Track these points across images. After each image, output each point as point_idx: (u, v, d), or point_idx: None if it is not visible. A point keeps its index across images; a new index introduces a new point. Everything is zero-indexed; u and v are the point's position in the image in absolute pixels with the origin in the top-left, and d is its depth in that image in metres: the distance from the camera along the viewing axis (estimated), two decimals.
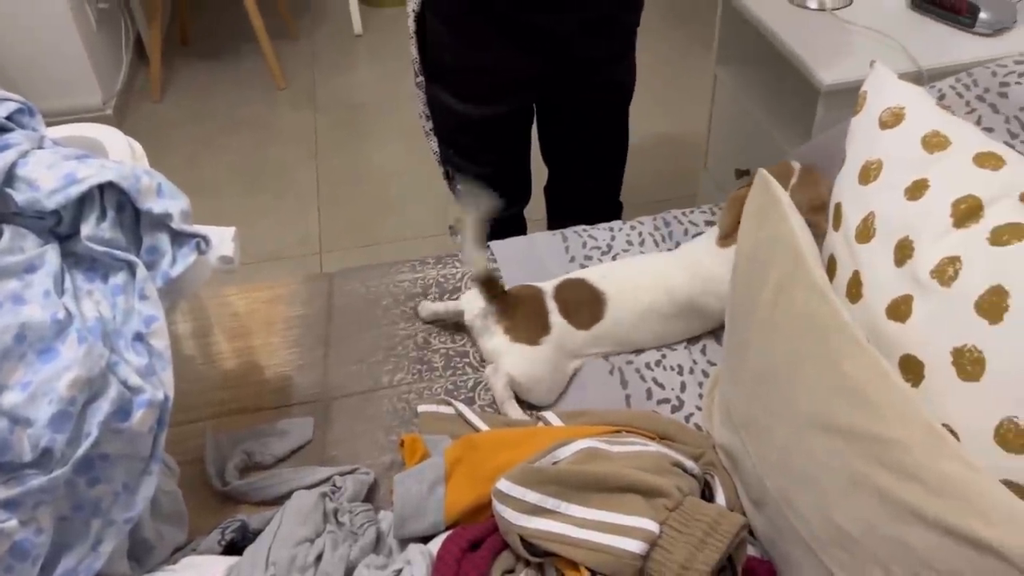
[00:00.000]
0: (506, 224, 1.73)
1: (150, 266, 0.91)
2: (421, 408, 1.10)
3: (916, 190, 0.81)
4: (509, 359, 1.11)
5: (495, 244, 1.37)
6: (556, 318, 1.14)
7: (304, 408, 1.13)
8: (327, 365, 1.19)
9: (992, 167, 0.78)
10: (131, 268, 0.91)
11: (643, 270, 1.20)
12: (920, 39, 1.55)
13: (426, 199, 2.52)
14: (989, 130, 1.17)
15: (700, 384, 1.12)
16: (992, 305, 0.70)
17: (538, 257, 1.33)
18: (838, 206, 0.91)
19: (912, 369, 0.76)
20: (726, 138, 2.01)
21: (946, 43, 1.54)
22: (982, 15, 1.54)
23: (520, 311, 1.14)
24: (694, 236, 1.33)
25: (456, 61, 1.44)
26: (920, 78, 1.49)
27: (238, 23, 3.17)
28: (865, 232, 0.84)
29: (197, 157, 2.77)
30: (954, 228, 0.77)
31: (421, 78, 1.51)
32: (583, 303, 1.15)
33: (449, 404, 1.10)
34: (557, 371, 1.13)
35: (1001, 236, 0.72)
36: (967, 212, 0.76)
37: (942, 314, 0.74)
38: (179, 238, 0.93)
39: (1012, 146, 1.13)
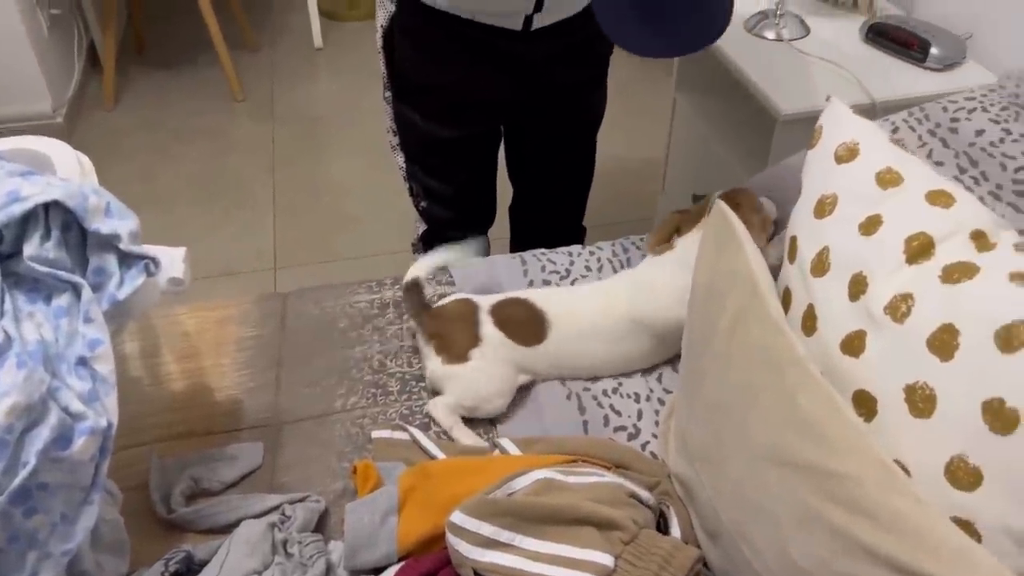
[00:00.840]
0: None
1: (96, 288, 0.88)
2: (375, 434, 1.08)
3: (870, 226, 0.82)
4: (444, 385, 1.11)
5: (454, 267, 1.36)
6: (489, 329, 1.13)
7: (254, 432, 1.11)
8: (279, 388, 1.16)
9: (943, 205, 0.80)
10: (76, 290, 0.88)
11: (584, 293, 1.21)
12: (873, 72, 1.58)
13: (385, 215, 2.50)
14: (939, 164, 1.20)
15: (656, 411, 1.12)
16: (943, 343, 0.71)
17: (497, 280, 1.33)
18: (793, 239, 0.92)
19: (865, 404, 0.77)
20: (684, 163, 2.03)
21: (898, 77, 1.58)
22: (932, 51, 1.58)
23: (449, 327, 1.14)
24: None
25: (425, 80, 1.42)
26: (873, 110, 1.52)
27: (196, 32, 3.12)
28: (820, 266, 0.85)
29: (150, 168, 2.72)
30: (907, 264, 0.78)
31: (389, 93, 1.49)
32: (525, 322, 1.15)
33: (404, 430, 1.09)
34: (498, 382, 1.12)
35: (952, 274, 0.74)
36: (919, 249, 0.78)
37: (895, 350, 0.75)
38: (127, 259, 0.91)
39: (961, 180, 1.16)
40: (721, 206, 0.95)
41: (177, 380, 1.18)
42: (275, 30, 3.51)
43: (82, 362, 0.85)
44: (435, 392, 1.13)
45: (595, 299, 1.18)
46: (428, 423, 1.11)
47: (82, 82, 2.98)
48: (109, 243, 0.90)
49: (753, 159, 1.71)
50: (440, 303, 1.18)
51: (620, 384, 1.15)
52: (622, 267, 1.35)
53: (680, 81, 1.96)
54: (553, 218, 1.78)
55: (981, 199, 1.13)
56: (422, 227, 1.66)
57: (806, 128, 1.51)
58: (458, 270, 1.35)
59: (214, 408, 1.14)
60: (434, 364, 1.12)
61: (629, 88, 3.07)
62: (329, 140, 2.87)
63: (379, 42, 1.44)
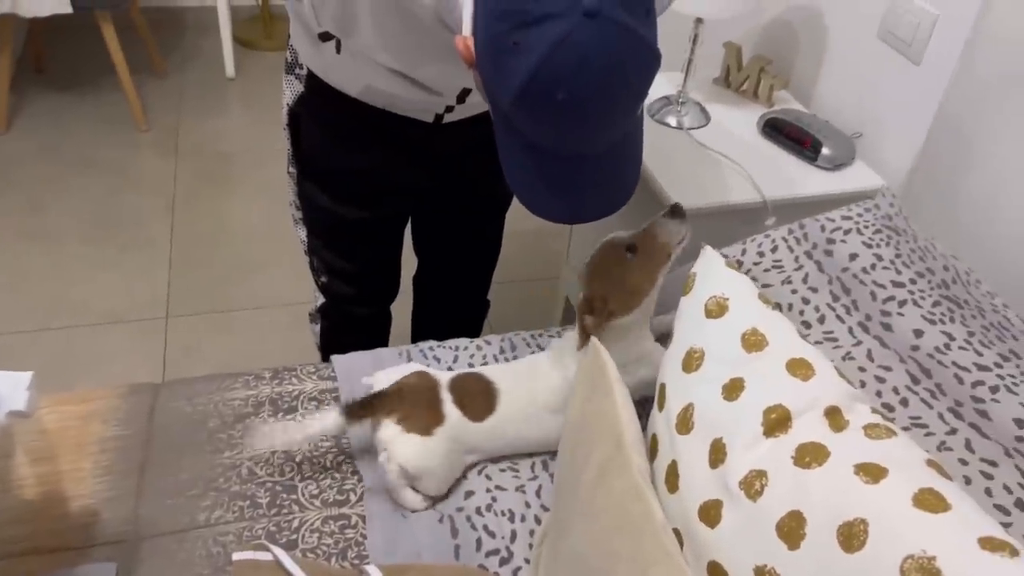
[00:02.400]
0: (372, 320, 1.68)
1: None
2: (236, 556, 1.03)
3: (733, 390, 0.83)
4: (401, 448, 1.10)
5: (336, 359, 1.32)
6: (450, 408, 1.13)
7: (109, 549, 1.05)
8: (139, 498, 1.11)
9: (802, 377, 0.81)
10: None
11: (532, 368, 1.21)
12: (768, 168, 1.62)
13: (287, 263, 2.44)
14: (814, 290, 1.22)
15: (531, 532, 1.10)
16: (791, 530, 0.72)
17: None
18: (663, 387, 0.92)
19: None
20: (588, 234, 2.04)
21: (791, 175, 1.62)
22: (824, 151, 1.62)
23: (412, 400, 1.13)
24: None
25: (333, 164, 1.37)
26: (765, 209, 1.55)
27: (99, 53, 3.00)
28: (684, 423, 0.85)
29: (40, 198, 2.60)
30: (764, 437, 0.79)
31: (293, 170, 1.44)
32: (477, 394, 1.15)
33: (267, 550, 1.05)
34: (450, 463, 1.13)
35: (804, 457, 0.74)
36: (776, 422, 0.78)
37: (747, 528, 0.75)
38: None
39: (834, 308, 1.19)
40: (595, 344, 0.94)
41: (29, 486, 1.11)
42: (185, 55, 3.40)
43: None
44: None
45: (538, 376, 1.18)
46: (296, 540, 1.08)
47: None
48: None
49: None
50: (400, 378, 1.16)
51: (494, 500, 1.14)
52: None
53: None
54: (458, 292, 1.77)
55: (851, 330, 1.16)
56: (321, 300, 1.62)
57: (699, 223, 1.54)
58: (341, 363, 1.31)
59: (67, 521, 1.08)
60: (392, 430, 1.10)
61: None
62: (235, 179, 2.79)
63: (284, 119, 1.39)
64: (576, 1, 0.72)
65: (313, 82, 1.27)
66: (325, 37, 1.19)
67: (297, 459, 1.17)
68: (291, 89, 1.34)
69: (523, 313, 2.39)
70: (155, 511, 1.09)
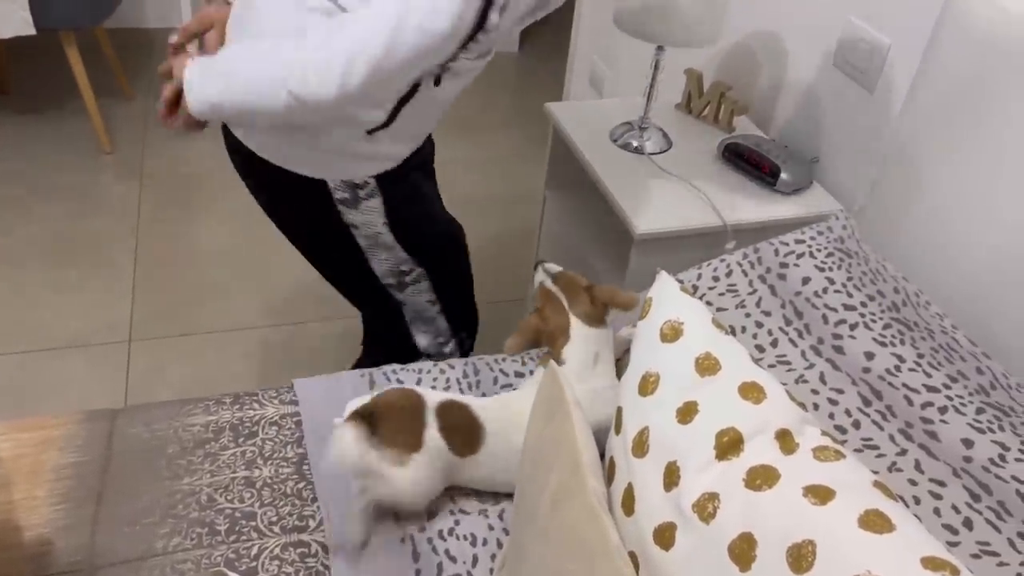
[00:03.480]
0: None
1: None
2: None
3: (687, 413, 0.84)
4: (381, 483, 1.06)
5: (298, 383, 1.32)
6: (433, 434, 1.09)
7: None
8: (96, 526, 1.09)
9: (754, 400, 0.82)
10: None
11: (517, 407, 1.16)
12: (727, 193, 1.65)
13: (251, 287, 2.43)
14: (767, 314, 1.24)
15: (492, 556, 1.11)
16: (742, 552, 0.73)
17: (343, 398, 1.29)
18: (620, 411, 0.93)
19: None
20: (553, 257, 2.05)
21: (750, 199, 1.65)
22: (782, 176, 1.66)
23: (392, 422, 1.08)
24: (503, 386, 1.33)
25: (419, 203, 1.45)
26: (725, 233, 1.58)
27: (65, 74, 2.98)
28: (640, 446, 0.86)
29: (2, 222, 2.57)
30: (716, 460, 0.80)
31: (384, 229, 1.40)
32: (462, 428, 1.11)
33: None
34: (425, 490, 1.10)
35: (755, 479, 0.76)
36: (728, 445, 0.80)
37: (700, 551, 0.76)
38: None
39: (786, 332, 1.21)
40: (554, 368, 0.95)
41: None
42: (152, 78, 3.39)
43: None
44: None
45: (521, 417, 1.11)
46: (255, 568, 1.07)
47: None
48: None
49: (614, 263, 1.75)
50: (384, 391, 1.13)
51: (457, 523, 1.14)
52: (472, 389, 1.34)
53: (550, 179, 1.99)
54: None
55: (803, 353, 1.18)
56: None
57: (660, 247, 1.56)
58: (301, 386, 1.31)
59: (20, 550, 1.06)
60: (370, 458, 1.05)
61: (508, 161, 3.11)
62: (200, 203, 2.78)
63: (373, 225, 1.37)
64: None
65: (386, 181, 1.32)
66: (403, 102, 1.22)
67: (257, 485, 1.17)
68: (367, 215, 1.35)
69: (492, 336, 2.39)
70: (111, 539, 1.08)
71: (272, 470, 1.19)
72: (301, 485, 1.18)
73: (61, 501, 1.12)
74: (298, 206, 1.37)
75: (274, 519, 1.13)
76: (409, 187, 1.38)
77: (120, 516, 1.11)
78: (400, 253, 1.42)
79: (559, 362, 1.18)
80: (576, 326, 1.19)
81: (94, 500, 1.12)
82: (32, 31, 2.52)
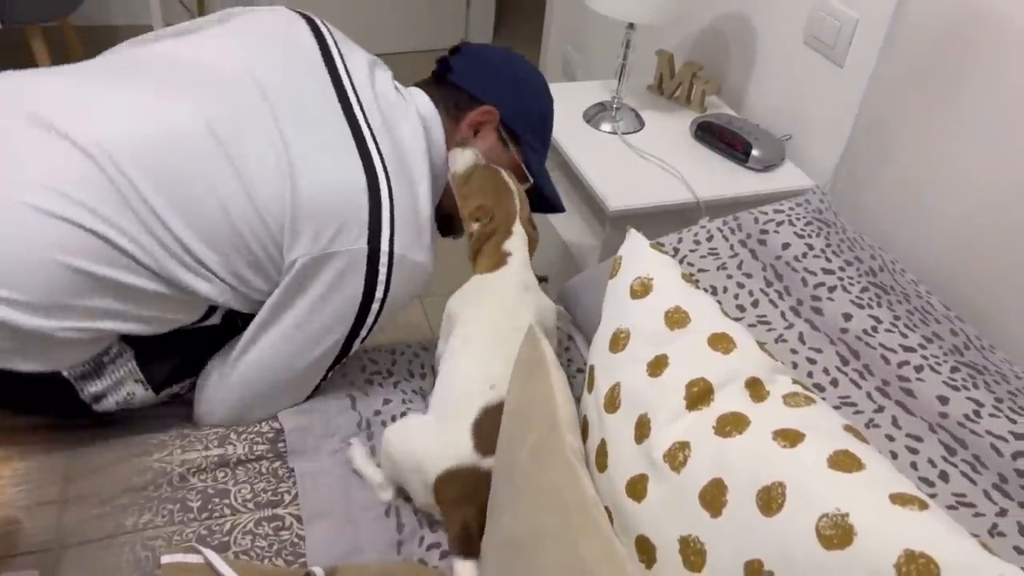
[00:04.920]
0: None
1: None
2: (165, 559, 1.01)
3: (657, 366, 0.83)
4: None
5: None
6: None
7: (30, 559, 1.01)
8: (64, 504, 1.07)
9: (723, 350, 0.82)
10: None
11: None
12: (700, 170, 1.65)
13: None
14: (749, 275, 1.25)
15: None
16: (713, 498, 0.72)
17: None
18: (592, 368, 0.92)
19: (646, 551, 0.77)
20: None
21: (723, 176, 1.65)
22: (754, 152, 1.66)
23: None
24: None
25: None
26: (698, 209, 1.58)
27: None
28: (611, 402, 0.86)
29: None
30: (687, 411, 0.79)
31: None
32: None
33: (198, 552, 1.02)
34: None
35: (724, 427, 0.75)
36: (698, 395, 0.79)
37: (672, 500, 0.76)
38: None
39: (767, 293, 1.21)
40: (533, 330, 0.95)
41: None
42: None
43: None
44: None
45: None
46: (228, 542, 1.05)
47: None
48: None
49: (589, 248, 1.74)
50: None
51: None
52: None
53: None
54: None
55: (783, 314, 1.18)
56: None
57: (634, 223, 1.55)
58: None
59: None
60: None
61: None
62: None
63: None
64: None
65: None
66: None
67: (232, 461, 1.15)
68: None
69: None
70: (79, 518, 1.06)
71: (246, 447, 1.17)
72: (277, 464, 1.16)
73: (23, 481, 1.10)
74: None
75: (248, 496, 1.11)
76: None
77: (89, 495, 1.09)
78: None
79: (501, 257, 1.15)
80: (519, 225, 1.18)
81: (61, 479, 1.10)
82: None
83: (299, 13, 1.24)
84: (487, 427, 1.01)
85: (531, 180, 1.31)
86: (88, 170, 1.02)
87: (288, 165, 1.06)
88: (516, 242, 1.17)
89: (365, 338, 1.18)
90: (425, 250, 1.14)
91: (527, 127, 1.31)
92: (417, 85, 1.28)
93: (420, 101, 1.24)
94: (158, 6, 3.09)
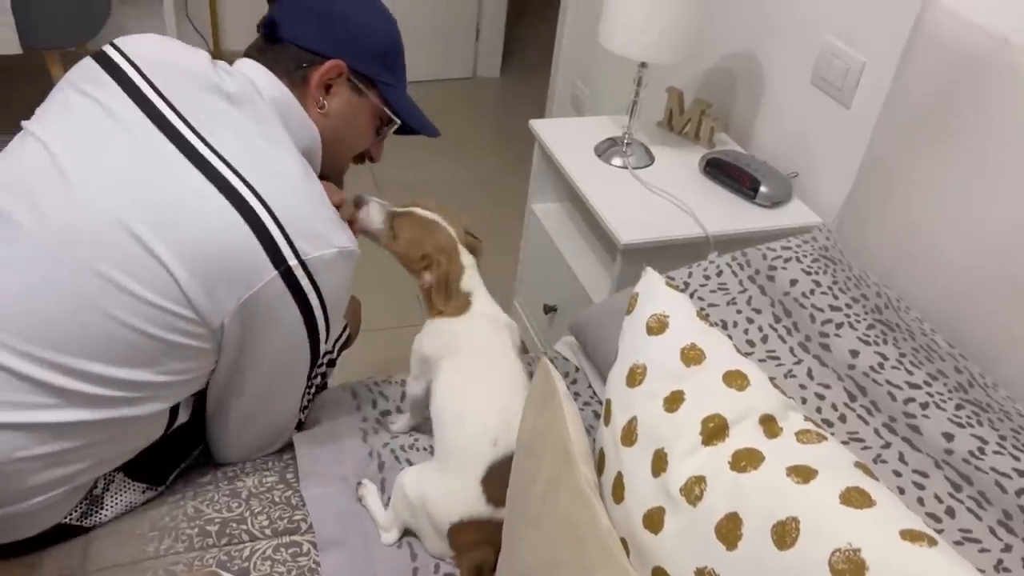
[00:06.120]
0: None
1: None
2: None
3: (673, 402, 0.86)
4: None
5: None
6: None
7: None
8: (87, 536, 1.09)
9: (738, 387, 0.85)
10: None
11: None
12: (709, 206, 1.68)
13: None
14: (758, 311, 1.28)
15: None
16: (729, 531, 0.74)
17: (330, 415, 1.30)
18: (608, 402, 0.95)
19: None
20: (535, 271, 2.08)
21: (731, 212, 1.68)
22: (762, 189, 1.69)
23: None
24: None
25: None
26: (707, 243, 1.61)
27: (45, 93, 2.98)
28: (629, 436, 0.88)
29: None
30: (703, 446, 0.82)
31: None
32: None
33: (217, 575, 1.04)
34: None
35: (740, 462, 0.78)
36: (714, 431, 0.82)
37: (688, 532, 0.78)
38: None
39: (776, 329, 1.24)
40: (546, 364, 0.97)
41: None
42: None
43: None
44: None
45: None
46: (247, 568, 1.07)
47: None
48: None
49: (600, 279, 1.77)
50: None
51: None
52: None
53: (535, 193, 2.02)
54: None
55: (792, 349, 1.21)
56: None
57: (646, 255, 1.59)
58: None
59: (8, 558, 1.06)
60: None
61: (489, 183, 3.14)
62: None
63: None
64: None
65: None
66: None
67: (243, 495, 1.17)
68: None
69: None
70: (103, 545, 1.08)
71: (256, 481, 1.20)
72: (289, 493, 1.18)
73: None
74: None
75: (264, 523, 1.13)
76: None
77: (108, 527, 1.11)
78: None
79: (463, 300, 1.16)
80: (463, 252, 1.19)
81: None
82: (18, 50, 2.54)
83: (93, 54, 1.12)
84: (497, 481, 1.04)
85: (398, 121, 1.24)
86: None
87: (158, 248, 0.96)
88: (471, 277, 1.18)
89: (338, 339, 1.18)
90: (331, 232, 1.04)
91: (378, 66, 1.20)
92: (247, 54, 1.17)
93: (255, 75, 1.12)
94: (174, 32, 3.15)
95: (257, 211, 0.98)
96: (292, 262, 1.00)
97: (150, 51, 1.11)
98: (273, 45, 1.16)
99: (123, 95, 1.05)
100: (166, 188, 0.98)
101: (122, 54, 1.10)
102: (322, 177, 1.19)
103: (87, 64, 1.10)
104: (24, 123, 1.10)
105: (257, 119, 1.07)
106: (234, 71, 1.13)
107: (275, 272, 0.99)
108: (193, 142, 1.01)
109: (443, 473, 1.08)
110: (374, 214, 1.22)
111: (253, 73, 1.13)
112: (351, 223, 1.20)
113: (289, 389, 1.16)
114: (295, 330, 1.06)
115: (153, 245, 0.95)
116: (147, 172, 0.99)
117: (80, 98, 1.06)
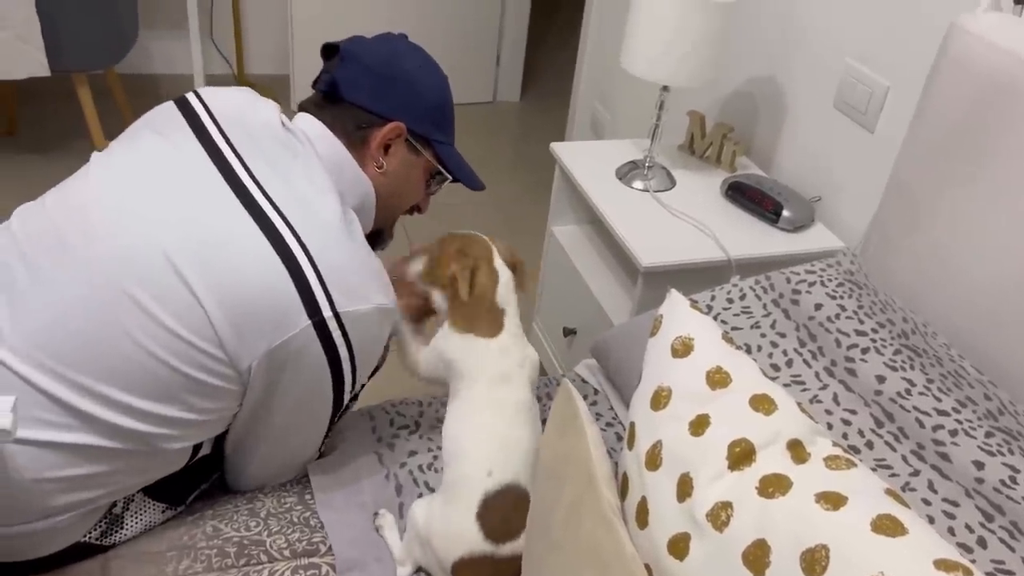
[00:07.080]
0: None
1: None
2: None
3: (699, 426, 0.85)
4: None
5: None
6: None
7: None
8: (107, 554, 1.09)
9: (765, 411, 0.83)
10: None
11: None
12: (731, 229, 1.67)
13: None
14: (782, 335, 1.26)
15: None
16: (756, 558, 0.73)
17: (346, 439, 1.29)
18: (632, 425, 0.94)
19: None
20: (556, 294, 2.08)
21: (753, 236, 1.67)
22: (785, 213, 1.68)
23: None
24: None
25: None
26: (729, 267, 1.60)
27: (72, 117, 3.03)
28: (653, 460, 0.87)
29: None
30: (729, 471, 0.80)
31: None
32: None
33: None
34: None
35: (768, 487, 0.76)
36: (741, 456, 0.80)
37: (715, 558, 0.77)
38: None
39: (800, 353, 1.22)
40: (567, 386, 0.97)
41: None
42: None
43: None
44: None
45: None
46: None
47: None
48: None
49: (620, 302, 1.76)
50: None
51: None
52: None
53: (555, 215, 2.02)
54: None
55: (817, 374, 1.19)
56: None
57: (667, 278, 1.58)
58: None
59: None
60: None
61: (509, 206, 3.15)
62: None
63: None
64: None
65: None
66: None
67: (262, 514, 1.16)
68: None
69: None
70: (121, 566, 1.07)
71: (275, 501, 1.19)
72: (307, 514, 1.18)
73: None
74: None
75: (283, 544, 1.12)
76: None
77: (126, 546, 1.10)
78: None
79: (496, 317, 1.14)
80: (500, 263, 1.18)
81: None
82: (47, 73, 2.58)
83: (175, 99, 1.16)
84: (493, 515, 1.02)
85: (449, 177, 1.28)
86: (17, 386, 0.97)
87: (198, 285, 0.97)
88: (507, 292, 1.15)
89: (357, 393, 1.18)
90: (371, 288, 1.05)
91: (433, 125, 1.24)
92: (305, 108, 1.20)
93: (313, 132, 1.16)
94: (199, 56, 3.19)
95: (299, 258, 1.00)
96: (327, 313, 1.01)
97: (227, 98, 1.16)
98: (332, 104, 1.19)
99: (193, 137, 1.08)
100: (215, 229, 0.99)
101: (201, 101, 1.14)
102: (375, 229, 1.25)
103: (167, 107, 1.15)
104: (95, 153, 1.15)
105: (309, 173, 1.09)
106: (294, 127, 1.16)
107: (308, 321, 1.00)
108: (249, 187, 1.03)
109: (445, 506, 1.07)
110: (413, 262, 1.23)
111: (312, 130, 1.16)
112: (396, 281, 1.20)
113: (311, 432, 1.17)
114: (321, 378, 1.07)
115: (192, 281, 0.97)
116: (200, 211, 1.01)
117: (151, 136, 1.10)
